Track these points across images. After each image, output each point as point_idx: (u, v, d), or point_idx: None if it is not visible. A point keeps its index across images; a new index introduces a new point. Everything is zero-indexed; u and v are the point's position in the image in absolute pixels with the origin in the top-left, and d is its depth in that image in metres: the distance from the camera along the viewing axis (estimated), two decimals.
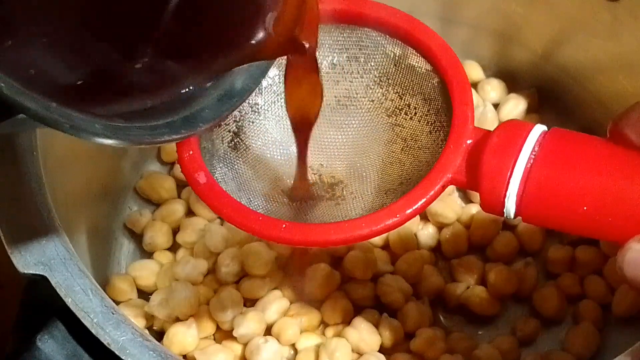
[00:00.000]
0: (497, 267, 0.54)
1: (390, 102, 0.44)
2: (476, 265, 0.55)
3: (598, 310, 0.53)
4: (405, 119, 0.43)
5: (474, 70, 0.63)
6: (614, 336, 0.53)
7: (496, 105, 0.61)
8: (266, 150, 0.44)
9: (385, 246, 0.56)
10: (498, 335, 0.53)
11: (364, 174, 0.43)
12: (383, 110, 0.44)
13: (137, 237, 0.58)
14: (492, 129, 0.58)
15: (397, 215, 0.38)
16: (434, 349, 0.51)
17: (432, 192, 0.38)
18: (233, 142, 0.43)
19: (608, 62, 0.56)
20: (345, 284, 0.54)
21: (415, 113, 0.43)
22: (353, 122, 0.44)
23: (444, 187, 0.38)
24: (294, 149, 0.43)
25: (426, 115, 0.42)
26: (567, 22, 0.57)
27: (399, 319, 0.52)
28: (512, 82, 0.63)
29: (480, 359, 0.51)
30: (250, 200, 0.41)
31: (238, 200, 0.39)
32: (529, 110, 0.61)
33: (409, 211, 0.38)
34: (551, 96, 0.61)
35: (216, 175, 0.40)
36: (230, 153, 0.42)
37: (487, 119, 0.59)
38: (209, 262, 0.55)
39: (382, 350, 0.51)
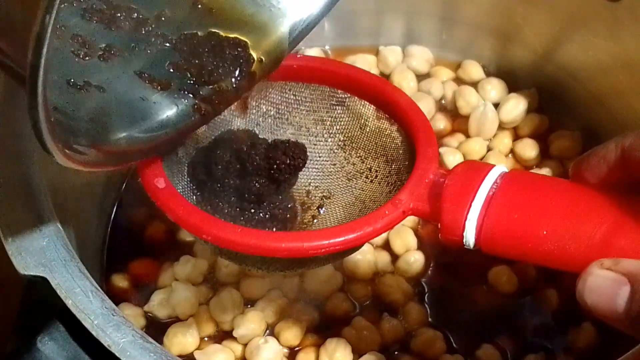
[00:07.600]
0: (497, 267, 0.54)
1: (352, 166, 0.45)
2: (476, 265, 0.55)
3: None
4: (366, 182, 0.44)
5: (474, 70, 0.63)
6: (614, 336, 0.53)
7: (496, 105, 0.61)
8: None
9: (386, 246, 0.56)
10: (498, 335, 0.53)
11: None
12: (344, 174, 0.45)
13: (136, 236, 0.58)
14: (492, 127, 0.60)
15: (356, 232, 0.39)
16: (434, 349, 0.51)
17: (394, 215, 0.39)
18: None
19: (608, 62, 0.56)
20: (345, 284, 0.54)
21: (377, 176, 0.44)
22: (313, 183, 0.45)
23: (404, 213, 0.40)
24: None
25: (387, 176, 0.43)
26: (567, 22, 0.57)
27: (399, 319, 0.53)
28: (513, 81, 0.63)
29: (480, 359, 0.51)
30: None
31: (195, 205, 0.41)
32: (529, 110, 0.61)
33: (367, 230, 0.39)
34: (551, 96, 0.61)
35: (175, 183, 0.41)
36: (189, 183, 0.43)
37: (487, 118, 0.59)
38: (209, 262, 0.55)
39: (382, 350, 0.51)
